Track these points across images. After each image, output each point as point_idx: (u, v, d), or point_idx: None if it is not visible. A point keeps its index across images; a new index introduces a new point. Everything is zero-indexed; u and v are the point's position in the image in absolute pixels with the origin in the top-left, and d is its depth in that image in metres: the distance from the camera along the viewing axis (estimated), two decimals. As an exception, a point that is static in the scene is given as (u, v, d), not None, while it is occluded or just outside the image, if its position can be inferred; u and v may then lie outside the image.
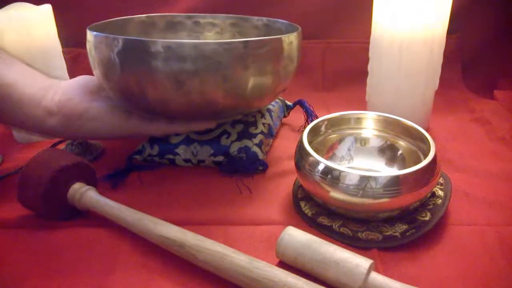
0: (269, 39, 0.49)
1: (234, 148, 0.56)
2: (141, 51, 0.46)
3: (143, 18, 0.68)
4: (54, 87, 0.53)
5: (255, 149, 0.57)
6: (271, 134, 0.62)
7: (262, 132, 0.59)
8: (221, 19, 0.71)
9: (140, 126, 0.55)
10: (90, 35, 0.51)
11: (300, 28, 0.57)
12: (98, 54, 0.49)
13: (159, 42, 0.45)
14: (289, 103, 0.72)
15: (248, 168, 0.56)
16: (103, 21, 0.59)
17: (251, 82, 0.49)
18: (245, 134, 0.58)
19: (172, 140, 0.58)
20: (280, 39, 0.50)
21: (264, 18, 0.68)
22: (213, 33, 0.72)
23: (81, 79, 0.56)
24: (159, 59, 0.46)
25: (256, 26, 0.69)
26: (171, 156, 0.58)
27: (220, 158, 0.57)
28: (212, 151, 0.57)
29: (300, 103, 0.71)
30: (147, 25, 0.69)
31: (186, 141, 0.57)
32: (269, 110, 0.65)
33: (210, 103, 0.50)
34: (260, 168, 0.57)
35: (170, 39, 0.69)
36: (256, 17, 0.69)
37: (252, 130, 0.59)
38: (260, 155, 0.57)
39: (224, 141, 0.57)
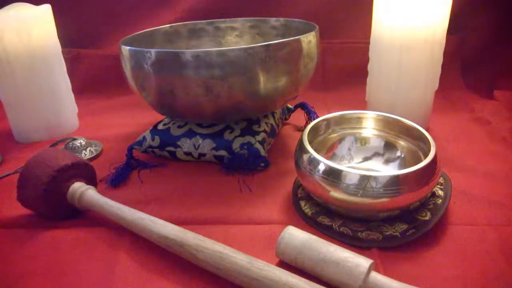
0: (288, 41, 0.51)
1: (236, 144, 0.57)
2: (172, 62, 0.49)
3: (166, 28, 0.71)
4: None
5: (258, 145, 0.57)
6: (273, 134, 0.62)
7: (265, 131, 0.59)
8: (240, 23, 0.73)
9: None
10: (124, 50, 0.53)
11: (317, 27, 0.58)
12: (132, 66, 0.52)
13: (188, 52, 0.48)
14: (290, 106, 0.71)
15: (250, 164, 0.56)
16: (132, 35, 0.61)
17: (275, 82, 0.52)
18: (249, 131, 0.58)
19: (175, 132, 0.58)
20: (299, 39, 0.52)
21: (282, 19, 0.70)
22: (233, 36, 0.74)
23: None
24: (189, 68, 0.49)
25: (274, 27, 0.71)
26: (172, 149, 0.58)
27: (222, 153, 0.57)
28: (214, 145, 0.57)
29: (301, 105, 0.71)
30: (171, 34, 0.72)
31: (189, 134, 0.58)
32: (272, 111, 0.65)
33: (237, 105, 0.52)
34: (262, 164, 0.57)
35: (194, 45, 0.73)
36: (273, 18, 0.71)
37: (255, 128, 0.59)
38: (262, 152, 0.57)
39: (227, 135, 0.57)
